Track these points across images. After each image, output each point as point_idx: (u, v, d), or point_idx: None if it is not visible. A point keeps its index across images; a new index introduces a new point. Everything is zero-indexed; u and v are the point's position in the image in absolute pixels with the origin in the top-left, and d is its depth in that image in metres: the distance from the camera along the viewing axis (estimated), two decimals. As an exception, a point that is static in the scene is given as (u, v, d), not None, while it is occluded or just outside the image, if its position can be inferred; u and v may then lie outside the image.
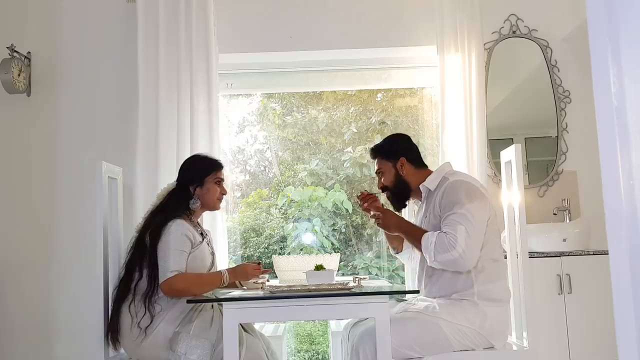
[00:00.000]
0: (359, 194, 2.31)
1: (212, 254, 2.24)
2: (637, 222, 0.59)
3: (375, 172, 2.29)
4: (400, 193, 2.22)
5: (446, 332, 1.91)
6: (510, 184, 2.27)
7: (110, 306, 2.14)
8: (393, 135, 2.36)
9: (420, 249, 2.01)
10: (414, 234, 2.05)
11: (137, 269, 2.07)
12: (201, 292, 2.05)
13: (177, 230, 2.04)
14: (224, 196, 2.29)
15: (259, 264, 2.18)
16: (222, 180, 2.27)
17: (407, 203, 2.28)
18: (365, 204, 2.24)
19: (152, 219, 2.13)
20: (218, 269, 2.22)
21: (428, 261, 1.96)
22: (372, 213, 2.20)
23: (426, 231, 2.01)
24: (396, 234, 2.18)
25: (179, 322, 2.02)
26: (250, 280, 2.21)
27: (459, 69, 3.05)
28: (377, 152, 2.26)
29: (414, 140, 2.29)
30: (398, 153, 2.20)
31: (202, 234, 2.20)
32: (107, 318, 2.15)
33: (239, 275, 2.14)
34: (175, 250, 2.01)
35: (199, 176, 2.20)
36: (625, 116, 0.61)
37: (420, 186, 2.16)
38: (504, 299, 2.03)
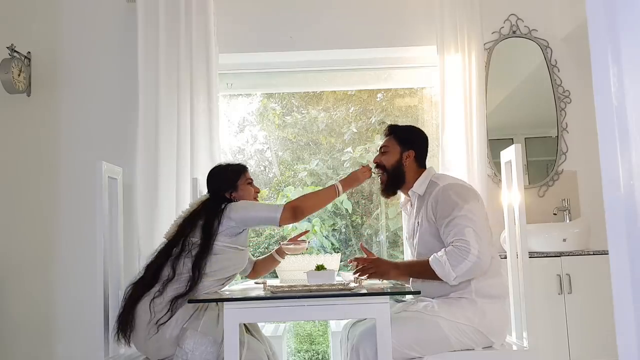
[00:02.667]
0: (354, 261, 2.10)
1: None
2: (637, 222, 0.59)
3: (380, 147, 2.26)
4: (394, 180, 2.19)
5: (446, 331, 1.90)
6: (510, 184, 2.27)
7: (122, 303, 2.09)
8: (416, 127, 2.32)
9: (431, 277, 1.92)
10: (419, 265, 1.98)
11: (170, 269, 2.04)
12: (322, 206, 2.21)
13: (235, 204, 2.12)
14: (258, 194, 2.34)
15: (367, 167, 2.26)
16: (252, 180, 2.33)
17: (395, 193, 2.24)
18: (356, 269, 2.02)
19: (192, 220, 2.11)
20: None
21: (449, 281, 1.89)
22: (358, 267, 2.00)
23: (426, 259, 1.94)
24: (398, 276, 2.02)
25: (188, 319, 2.01)
26: (291, 246, 2.36)
27: (459, 69, 3.05)
28: (394, 132, 2.24)
29: None
30: (411, 144, 2.19)
31: None
32: (107, 317, 2.14)
33: (351, 181, 2.24)
34: (254, 205, 2.13)
35: (231, 182, 2.25)
36: (625, 116, 0.61)
37: (409, 192, 2.16)
38: (502, 295, 2.03)
